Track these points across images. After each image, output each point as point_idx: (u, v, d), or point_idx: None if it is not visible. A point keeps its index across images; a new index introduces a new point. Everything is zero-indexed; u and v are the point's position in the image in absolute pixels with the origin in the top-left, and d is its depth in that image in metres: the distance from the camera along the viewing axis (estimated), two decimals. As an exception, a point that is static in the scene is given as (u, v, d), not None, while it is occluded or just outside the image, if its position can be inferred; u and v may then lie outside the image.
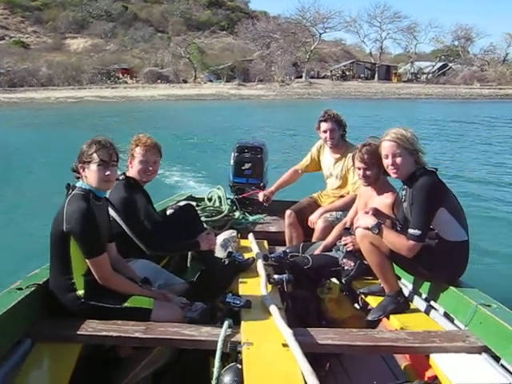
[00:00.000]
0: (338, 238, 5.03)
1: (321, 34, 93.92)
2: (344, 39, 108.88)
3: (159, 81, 78.33)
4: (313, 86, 77.53)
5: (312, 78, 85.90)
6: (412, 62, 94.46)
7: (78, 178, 3.62)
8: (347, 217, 5.15)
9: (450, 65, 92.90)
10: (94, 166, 3.51)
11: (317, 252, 5.07)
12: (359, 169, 4.64)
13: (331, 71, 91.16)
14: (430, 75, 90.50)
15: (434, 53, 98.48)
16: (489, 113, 44.72)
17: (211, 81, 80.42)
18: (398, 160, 3.98)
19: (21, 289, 3.47)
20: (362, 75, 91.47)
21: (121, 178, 4.36)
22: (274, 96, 66.48)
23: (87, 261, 3.43)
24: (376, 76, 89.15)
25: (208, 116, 40.80)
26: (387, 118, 33.05)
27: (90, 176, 3.53)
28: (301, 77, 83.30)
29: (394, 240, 3.90)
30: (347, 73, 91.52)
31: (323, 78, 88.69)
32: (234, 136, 23.93)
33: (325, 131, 5.77)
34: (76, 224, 3.36)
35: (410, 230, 3.80)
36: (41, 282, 3.60)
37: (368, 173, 4.58)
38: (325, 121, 5.77)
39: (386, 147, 4.05)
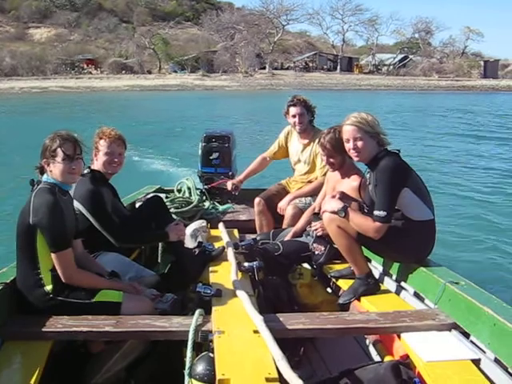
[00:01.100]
0: (307, 223, 5.05)
1: (284, 25, 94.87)
2: (309, 31, 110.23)
3: (124, 71, 78.35)
4: (275, 77, 78.41)
5: (276, 69, 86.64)
6: (373, 54, 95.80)
7: (42, 173, 3.57)
8: (316, 202, 5.18)
9: (411, 57, 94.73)
10: (59, 160, 3.47)
11: (287, 238, 5.09)
12: (323, 155, 4.68)
13: (294, 62, 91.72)
14: (391, 67, 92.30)
15: (396, 45, 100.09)
16: (443, 103, 47.20)
17: (176, 71, 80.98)
18: (359, 144, 4.00)
19: None
20: (325, 67, 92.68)
21: (86, 171, 4.32)
22: (238, 87, 67.61)
23: (52, 255, 3.38)
24: (338, 67, 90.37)
25: (173, 106, 41.74)
26: (348, 108, 33.92)
27: (56, 170, 3.49)
28: (264, 68, 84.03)
29: (360, 222, 3.92)
30: (310, 64, 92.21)
31: (287, 69, 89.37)
32: (200, 124, 25.89)
33: (294, 116, 5.77)
34: (43, 216, 3.33)
35: (376, 212, 3.82)
36: (8, 281, 3.54)
37: (332, 160, 4.63)
38: (294, 105, 5.76)
39: (347, 131, 4.07)
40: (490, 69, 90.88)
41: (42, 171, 3.57)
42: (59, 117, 29.03)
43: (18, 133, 23.57)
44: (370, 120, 4.02)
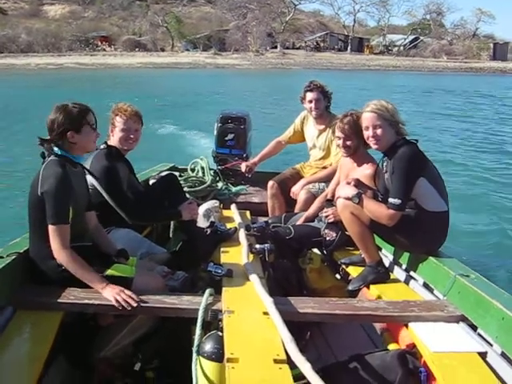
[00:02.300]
0: (319, 209, 5.05)
1: (296, 5, 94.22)
2: (322, 10, 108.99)
3: (137, 49, 78.23)
4: (286, 57, 78.10)
5: (287, 48, 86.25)
6: (384, 35, 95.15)
7: (48, 147, 3.55)
8: (328, 188, 5.18)
9: (422, 38, 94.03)
10: (87, 131, 3.52)
11: (298, 223, 5.09)
12: (339, 138, 4.67)
13: (305, 42, 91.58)
14: (402, 48, 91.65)
15: (409, 26, 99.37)
16: (445, 84, 47.66)
17: (188, 50, 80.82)
18: (379, 131, 3.99)
19: (1, 257, 3.46)
20: (336, 47, 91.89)
21: (102, 146, 4.34)
22: (249, 65, 67.56)
23: (49, 227, 3.35)
24: (349, 48, 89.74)
25: (185, 83, 42.41)
26: (358, 87, 34.35)
27: (83, 140, 3.52)
28: (276, 47, 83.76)
29: (374, 209, 3.92)
30: (321, 44, 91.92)
31: (298, 48, 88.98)
32: (212, 99, 28.38)
33: (310, 101, 5.75)
34: (49, 186, 3.34)
35: (390, 199, 3.82)
36: (21, 251, 3.58)
37: (348, 143, 4.61)
38: (310, 90, 5.74)
39: (367, 118, 4.06)
40: (500, 51, 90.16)
41: (49, 146, 3.54)
42: (77, 91, 29.42)
43: (39, 105, 23.91)
44: (390, 108, 4.01)
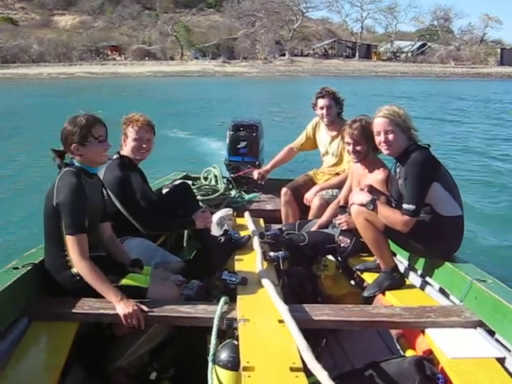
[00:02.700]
0: (332, 216, 5.04)
1: (303, 13, 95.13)
2: (331, 18, 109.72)
3: (147, 58, 79.79)
4: (294, 64, 79.35)
5: (296, 56, 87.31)
6: (392, 41, 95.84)
7: (62, 158, 3.59)
8: (341, 194, 5.16)
9: (429, 44, 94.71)
10: (94, 142, 3.51)
11: (312, 230, 5.08)
12: (348, 144, 4.66)
13: (313, 49, 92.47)
14: (410, 54, 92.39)
15: (417, 32, 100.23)
16: (453, 90, 48.26)
17: (197, 58, 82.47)
18: (391, 137, 3.97)
19: (17, 268, 3.47)
20: (344, 54, 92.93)
21: (114, 157, 4.35)
22: (257, 73, 68.87)
23: (66, 237, 3.37)
24: (357, 55, 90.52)
25: (195, 90, 43.55)
26: (366, 93, 34.79)
27: (88, 153, 3.52)
28: (284, 55, 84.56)
29: (388, 215, 3.90)
30: (329, 51, 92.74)
31: (306, 56, 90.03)
32: (222, 106, 29.52)
33: (322, 107, 5.74)
34: (64, 196, 3.35)
35: (404, 205, 3.80)
36: (36, 262, 3.59)
37: (358, 148, 4.60)
38: (322, 97, 5.74)
39: (378, 123, 4.04)
40: (507, 56, 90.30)
41: (63, 156, 3.59)
42: (88, 100, 30.29)
43: (51, 113, 24.43)
44: (401, 113, 3.99)
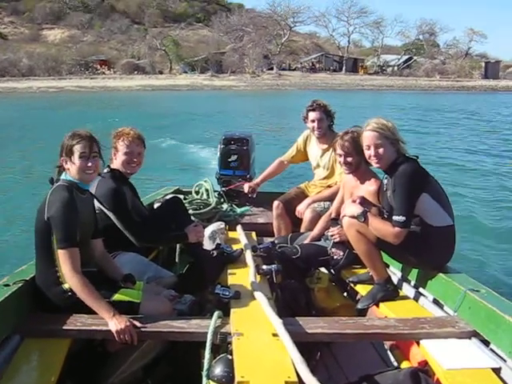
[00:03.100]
0: (324, 228, 5.04)
1: (291, 27, 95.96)
2: (318, 32, 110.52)
3: (136, 72, 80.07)
4: (282, 78, 79.93)
5: (283, 69, 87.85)
6: (378, 56, 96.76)
7: (60, 173, 3.60)
8: (332, 207, 5.16)
9: (415, 58, 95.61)
10: (75, 159, 3.50)
11: (305, 243, 5.07)
12: (340, 156, 4.68)
13: (301, 63, 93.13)
14: (396, 68, 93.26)
15: (404, 46, 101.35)
16: (435, 102, 49.38)
17: (186, 72, 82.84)
18: (380, 150, 3.99)
19: (8, 285, 3.45)
20: (331, 67, 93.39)
21: (105, 170, 4.33)
22: (245, 87, 69.36)
23: (58, 251, 3.35)
24: (344, 68, 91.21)
25: (184, 104, 44.01)
26: (353, 106, 35.57)
27: (73, 168, 3.51)
28: (272, 69, 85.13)
29: (379, 227, 3.90)
30: (317, 65, 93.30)
31: (294, 70, 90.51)
32: (211, 119, 30.24)
33: (313, 120, 5.74)
34: (56, 210, 3.34)
35: (394, 217, 3.81)
36: (28, 278, 3.57)
37: (349, 159, 4.61)
38: (313, 110, 5.74)
39: (368, 137, 4.05)
40: (491, 70, 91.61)
41: (60, 170, 3.60)
42: (77, 114, 30.70)
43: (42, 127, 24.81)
44: (390, 126, 4.01)
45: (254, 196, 6.43)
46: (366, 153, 4.11)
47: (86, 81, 68.15)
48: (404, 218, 3.78)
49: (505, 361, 3.09)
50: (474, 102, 49.95)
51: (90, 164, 3.53)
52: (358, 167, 4.63)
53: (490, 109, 42.43)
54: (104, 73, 78.31)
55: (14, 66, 72.20)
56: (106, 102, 43.48)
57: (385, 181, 4.14)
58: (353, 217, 4.00)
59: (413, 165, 3.93)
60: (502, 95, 64.09)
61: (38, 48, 78.90)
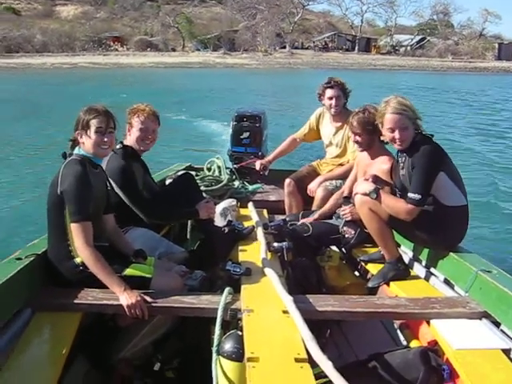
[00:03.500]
0: (335, 206, 5.03)
1: (304, 6, 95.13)
2: (332, 11, 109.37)
3: (149, 49, 79.86)
4: (294, 57, 79.40)
5: (296, 48, 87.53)
6: (391, 35, 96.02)
7: (73, 147, 3.60)
8: (345, 185, 5.13)
9: (428, 38, 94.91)
10: (91, 133, 3.49)
11: (313, 219, 5.06)
12: (352, 134, 4.67)
13: (314, 42, 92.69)
14: (409, 48, 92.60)
15: (418, 26, 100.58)
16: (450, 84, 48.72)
17: (198, 50, 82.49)
18: (405, 133, 3.90)
19: (20, 259, 3.46)
20: (344, 47, 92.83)
21: (118, 146, 4.32)
22: (257, 65, 69.28)
23: (71, 225, 3.35)
24: (356, 48, 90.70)
25: (198, 81, 44.51)
26: (365, 85, 35.06)
27: (88, 142, 3.51)
28: (285, 47, 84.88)
29: (392, 204, 3.88)
30: (329, 44, 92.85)
31: (307, 48, 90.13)
32: (223, 95, 31.25)
33: (330, 98, 5.69)
34: (69, 184, 3.34)
35: (410, 194, 3.78)
36: (40, 252, 3.58)
37: (358, 138, 4.60)
38: (331, 87, 5.69)
39: (392, 120, 3.93)
40: (505, 51, 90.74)
41: (74, 144, 3.60)
42: (91, 90, 31.07)
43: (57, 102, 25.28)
44: (410, 105, 3.94)
45: (266, 173, 6.42)
46: (389, 135, 4.00)
47: (99, 57, 68.04)
48: (420, 197, 3.75)
49: None
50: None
51: (105, 139, 3.53)
52: (371, 146, 4.60)
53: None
54: (117, 49, 78.11)
55: (28, 42, 72.03)
56: (120, 79, 43.59)
57: (401, 159, 4.09)
58: (365, 194, 3.97)
59: (432, 144, 3.89)
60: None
61: (51, 24, 78.72)
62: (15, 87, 35.45)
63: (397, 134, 3.92)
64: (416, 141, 3.89)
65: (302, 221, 5.07)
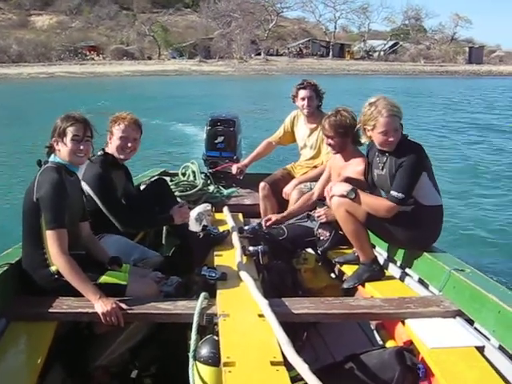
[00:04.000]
0: (305, 206, 5.09)
1: (278, 13, 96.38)
2: (307, 17, 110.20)
3: (125, 58, 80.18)
4: (269, 63, 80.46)
5: (271, 55, 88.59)
6: (364, 41, 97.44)
7: (49, 155, 3.57)
8: (316, 187, 5.16)
9: (401, 43, 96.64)
10: (67, 140, 3.47)
11: (279, 217, 5.10)
12: (325, 137, 4.74)
13: (288, 49, 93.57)
14: (382, 53, 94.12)
15: (392, 31, 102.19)
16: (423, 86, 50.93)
17: (174, 57, 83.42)
18: (397, 134, 3.90)
19: None
20: (319, 53, 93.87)
21: (99, 153, 4.29)
22: (233, 72, 70.17)
23: (46, 232, 3.32)
24: (330, 54, 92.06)
25: (175, 88, 45.15)
26: (338, 91, 35.66)
27: (64, 150, 3.49)
28: (260, 54, 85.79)
29: (371, 202, 3.91)
30: (304, 51, 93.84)
31: (281, 55, 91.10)
32: (199, 101, 31.55)
33: (303, 98, 5.72)
34: (45, 191, 3.32)
35: (393, 193, 3.82)
36: (13, 262, 3.55)
37: (331, 142, 4.66)
38: (304, 88, 5.72)
39: (388, 123, 3.86)
40: (475, 55, 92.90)
41: (50, 151, 3.57)
42: (69, 98, 31.28)
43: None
44: (399, 106, 3.96)
45: (241, 177, 6.42)
46: (381, 138, 3.92)
47: (75, 67, 68.47)
48: (403, 196, 3.80)
49: (488, 339, 3.13)
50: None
51: (81, 147, 3.51)
52: (344, 148, 4.64)
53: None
54: (93, 59, 78.52)
55: (3, 53, 72.16)
56: (97, 87, 44.37)
57: (379, 159, 4.09)
58: (342, 196, 3.99)
59: (419, 146, 3.94)
60: (483, 80, 65.41)
61: (27, 34, 78.78)
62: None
63: (391, 137, 3.89)
64: (401, 142, 3.92)
65: (266, 218, 5.15)
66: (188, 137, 17.93)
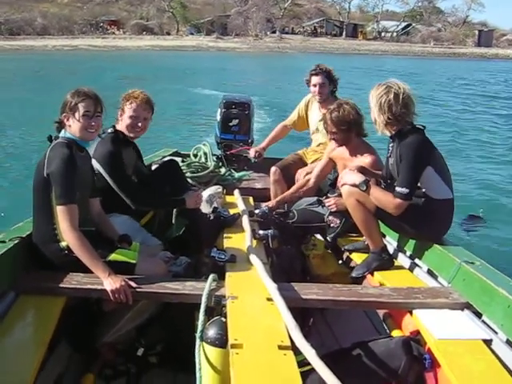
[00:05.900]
0: (298, 192, 5.23)
1: None
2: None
3: (144, 32, 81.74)
4: (283, 41, 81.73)
5: (286, 33, 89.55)
6: (378, 21, 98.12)
7: (59, 130, 3.56)
8: (312, 174, 5.16)
9: (413, 24, 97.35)
10: (78, 116, 3.46)
11: (274, 203, 5.17)
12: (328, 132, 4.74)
13: (303, 27, 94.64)
14: (394, 34, 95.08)
15: (407, 12, 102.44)
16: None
17: (192, 34, 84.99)
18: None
19: (3, 242, 3.44)
20: (333, 32, 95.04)
21: (109, 130, 4.28)
22: (248, 49, 71.79)
23: (57, 207, 3.33)
24: (344, 33, 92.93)
25: (192, 62, 47.87)
26: (350, 68, 37.97)
27: (74, 125, 3.48)
28: (275, 32, 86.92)
29: (380, 197, 3.88)
30: (318, 30, 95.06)
31: (296, 34, 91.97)
32: (217, 75, 34.63)
33: (314, 85, 5.71)
34: (55, 166, 3.32)
35: (398, 189, 3.78)
36: (24, 236, 3.56)
37: (334, 136, 4.65)
38: (316, 74, 5.70)
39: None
40: (485, 38, 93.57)
41: (60, 127, 3.56)
42: (95, 69, 34.03)
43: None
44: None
45: (258, 161, 6.39)
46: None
47: (97, 40, 70.15)
48: (407, 191, 3.76)
49: (496, 333, 3.11)
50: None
51: (93, 123, 3.51)
52: (348, 141, 4.63)
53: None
54: (114, 33, 79.95)
55: (29, 25, 73.89)
56: (118, 60, 46.13)
57: (389, 147, 4.08)
58: (354, 185, 3.98)
59: (420, 137, 3.88)
60: (489, 63, 66.10)
61: (49, 7, 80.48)
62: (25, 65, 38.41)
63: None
64: (405, 131, 3.89)
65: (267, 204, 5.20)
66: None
